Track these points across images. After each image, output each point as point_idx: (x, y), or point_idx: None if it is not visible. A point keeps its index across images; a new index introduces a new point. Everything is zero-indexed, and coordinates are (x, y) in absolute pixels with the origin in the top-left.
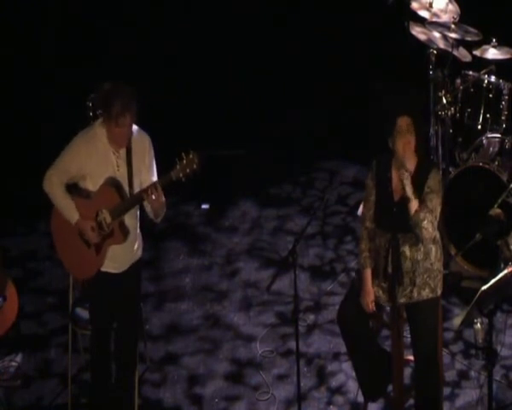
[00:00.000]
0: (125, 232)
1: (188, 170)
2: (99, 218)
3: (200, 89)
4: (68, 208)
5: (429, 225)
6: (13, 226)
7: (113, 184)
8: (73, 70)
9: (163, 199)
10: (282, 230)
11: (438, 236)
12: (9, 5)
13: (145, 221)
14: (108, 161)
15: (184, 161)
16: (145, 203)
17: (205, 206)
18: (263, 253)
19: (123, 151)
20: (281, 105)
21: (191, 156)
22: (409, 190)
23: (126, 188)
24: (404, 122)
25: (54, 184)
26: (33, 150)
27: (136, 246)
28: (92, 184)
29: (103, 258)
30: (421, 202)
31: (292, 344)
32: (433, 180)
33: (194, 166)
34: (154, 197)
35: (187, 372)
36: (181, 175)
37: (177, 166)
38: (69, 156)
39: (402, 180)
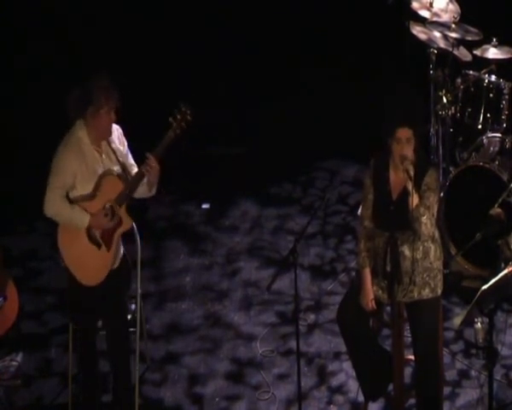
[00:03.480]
0: (131, 214)
1: (183, 123)
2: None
3: (201, 87)
4: (78, 215)
5: (428, 221)
6: (13, 226)
7: (110, 172)
8: (73, 69)
9: (158, 167)
10: (283, 229)
11: (437, 235)
12: (9, 5)
13: (145, 222)
14: (95, 161)
15: (178, 116)
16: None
17: (205, 205)
18: (263, 252)
19: (104, 145)
20: (281, 104)
21: (183, 109)
22: (410, 183)
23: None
24: (403, 134)
25: (56, 204)
26: (33, 150)
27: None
28: (82, 189)
29: (115, 252)
30: (419, 199)
31: (292, 344)
32: (430, 178)
33: (188, 118)
34: (152, 167)
35: (187, 372)
36: (178, 131)
37: (174, 124)
38: (62, 171)
39: (406, 169)
